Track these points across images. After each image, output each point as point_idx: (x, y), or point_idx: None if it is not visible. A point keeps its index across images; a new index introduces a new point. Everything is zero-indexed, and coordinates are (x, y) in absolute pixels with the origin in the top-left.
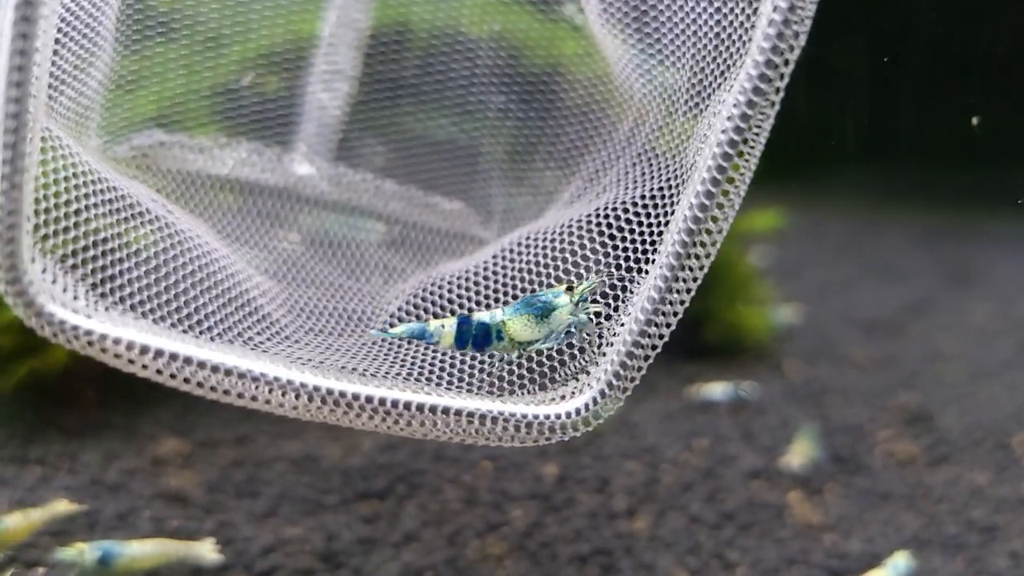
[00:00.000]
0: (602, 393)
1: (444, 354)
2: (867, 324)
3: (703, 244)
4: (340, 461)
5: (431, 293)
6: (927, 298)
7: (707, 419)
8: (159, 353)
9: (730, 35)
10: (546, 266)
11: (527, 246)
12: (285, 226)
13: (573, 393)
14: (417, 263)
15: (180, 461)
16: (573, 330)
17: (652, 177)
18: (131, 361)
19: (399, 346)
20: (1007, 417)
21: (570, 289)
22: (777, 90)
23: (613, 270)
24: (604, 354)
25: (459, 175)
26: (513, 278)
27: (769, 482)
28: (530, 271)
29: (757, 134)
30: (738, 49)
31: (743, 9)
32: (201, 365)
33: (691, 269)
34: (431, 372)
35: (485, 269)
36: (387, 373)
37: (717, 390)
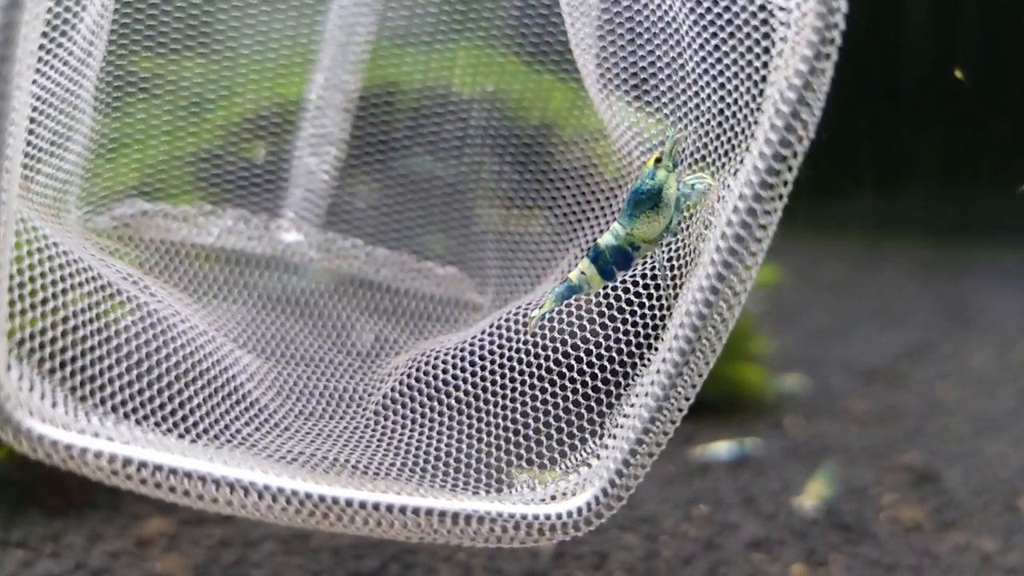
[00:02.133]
0: (604, 492)
1: (438, 436)
2: (866, 373)
3: (711, 334)
4: (330, 540)
5: (424, 373)
6: (926, 342)
7: (706, 483)
8: (142, 465)
9: (735, 111)
10: (544, 347)
11: (523, 323)
12: (279, 298)
13: (574, 490)
14: (410, 332)
15: (165, 542)
16: (689, 200)
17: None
18: (114, 473)
19: (391, 429)
20: (1015, 475)
21: (658, 161)
22: (785, 183)
23: (614, 355)
24: (606, 446)
25: (453, 239)
26: (510, 359)
27: (771, 553)
28: (527, 352)
29: (765, 225)
30: (743, 129)
31: (748, 90)
32: (186, 476)
33: (698, 361)
34: (426, 460)
35: (481, 347)
36: (380, 464)
37: (722, 449)
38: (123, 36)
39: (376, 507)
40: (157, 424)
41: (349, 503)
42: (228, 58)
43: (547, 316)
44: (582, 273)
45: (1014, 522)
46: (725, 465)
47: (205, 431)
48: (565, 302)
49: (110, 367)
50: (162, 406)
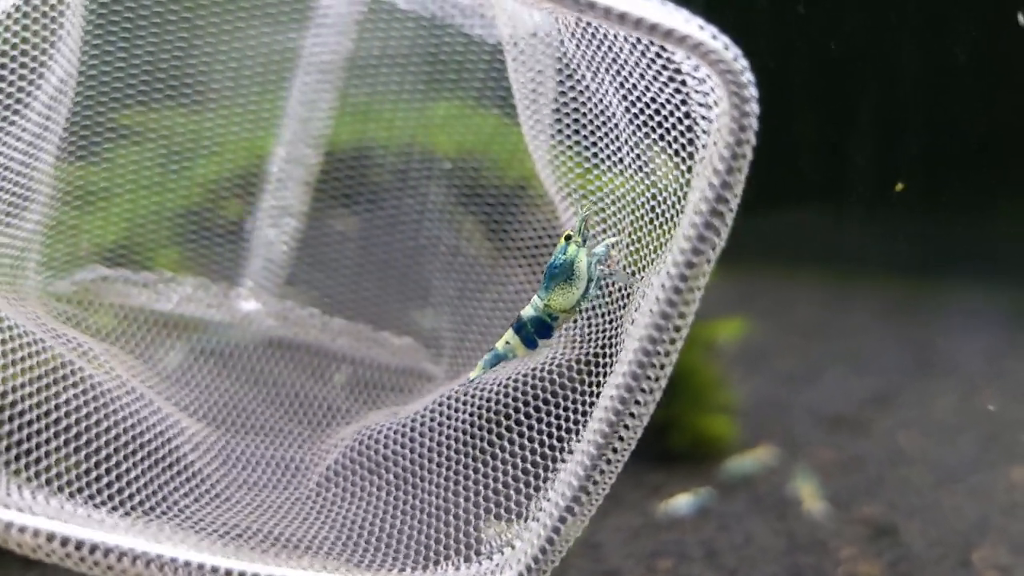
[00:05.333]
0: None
1: (373, 512)
2: (832, 420)
3: (626, 432)
4: None
5: (367, 448)
6: (892, 386)
7: (671, 536)
8: (65, 540)
9: (665, 209)
10: (481, 427)
11: (464, 401)
12: (234, 365)
13: (495, 570)
14: (363, 402)
15: None
16: (603, 273)
17: (592, 340)
18: (39, 547)
19: (330, 502)
20: (970, 527)
21: (569, 237)
22: (698, 288)
23: (545, 438)
24: (529, 529)
25: (409, 310)
26: (448, 436)
27: None
28: (465, 431)
29: (679, 327)
30: (672, 227)
31: (674, 192)
32: (108, 551)
33: (614, 452)
34: (359, 535)
35: (421, 424)
36: (314, 538)
37: (682, 503)
38: (89, 87)
39: None
40: (91, 497)
41: None
42: (195, 112)
43: (476, 381)
44: (507, 343)
45: None
46: (689, 517)
47: (140, 504)
48: (494, 372)
49: (48, 441)
50: (98, 479)
